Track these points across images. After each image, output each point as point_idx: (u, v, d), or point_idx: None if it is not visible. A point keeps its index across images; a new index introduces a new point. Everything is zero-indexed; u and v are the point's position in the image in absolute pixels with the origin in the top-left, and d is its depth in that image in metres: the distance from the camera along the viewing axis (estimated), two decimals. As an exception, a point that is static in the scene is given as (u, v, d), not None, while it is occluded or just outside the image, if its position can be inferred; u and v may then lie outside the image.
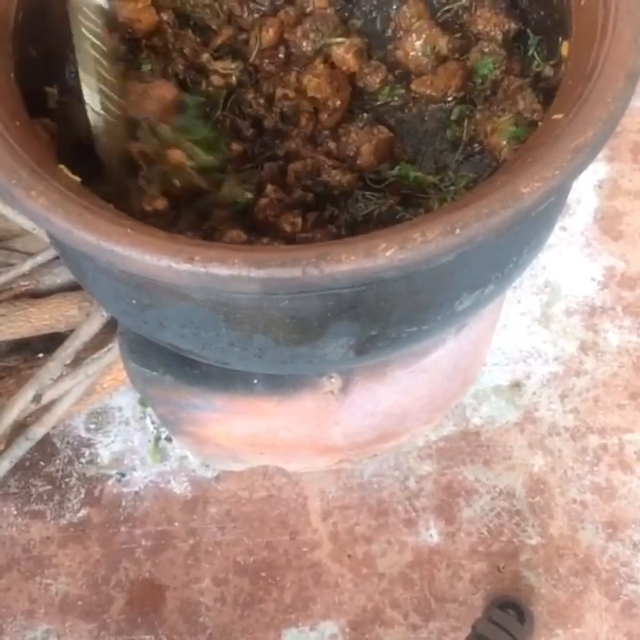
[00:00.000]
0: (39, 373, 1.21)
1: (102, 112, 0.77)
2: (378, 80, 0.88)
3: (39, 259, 1.25)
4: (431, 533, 1.24)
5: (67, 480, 1.30)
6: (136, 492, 1.29)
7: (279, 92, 0.88)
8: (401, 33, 0.90)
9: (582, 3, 0.73)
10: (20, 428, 1.24)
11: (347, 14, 0.94)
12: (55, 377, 1.22)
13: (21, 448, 1.24)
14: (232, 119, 0.87)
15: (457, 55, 0.88)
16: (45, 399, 1.22)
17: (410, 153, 0.86)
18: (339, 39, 0.89)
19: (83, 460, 1.31)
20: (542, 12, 0.86)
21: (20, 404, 1.20)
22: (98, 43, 0.77)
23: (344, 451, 1.16)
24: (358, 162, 0.83)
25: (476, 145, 0.84)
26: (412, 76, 0.89)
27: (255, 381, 0.98)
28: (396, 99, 0.89)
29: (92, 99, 0.76)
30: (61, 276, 1.27)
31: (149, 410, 1.31)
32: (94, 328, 1.23)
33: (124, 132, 0.79)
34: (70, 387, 1.24)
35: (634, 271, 1.42)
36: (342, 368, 0.98)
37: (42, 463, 1.31)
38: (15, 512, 1.28)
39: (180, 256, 0.59)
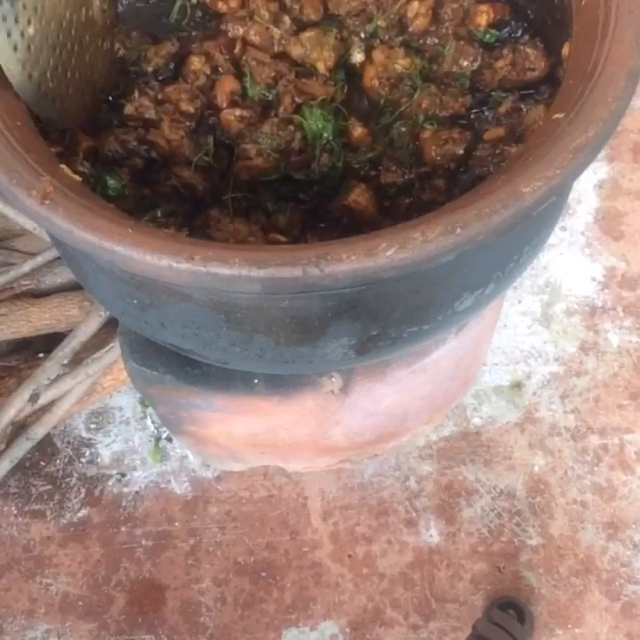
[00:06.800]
0: (36, 373, 1.21)
1: None
2: None
3: (40, 259, 1.25)
4: (431, 533, 1.24)
5: (67, 480, 1.30)
6: (136, 492, 1.28)
7: None
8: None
9: (583, 2, 0.73)
10: (21, 427, 1.24)
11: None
12: (52, 377, 1.22)
13: (22, 448, 1.24)
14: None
15: None
16: (46, 399, 1.22)
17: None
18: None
19: (83, 460, 1.31)
20: (542, 12, 0.86)
21: (17, 404, 1.20)
22: None
23: (345, 450, 1.16)
24: None
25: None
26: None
27: (256, 381, 0.98)
28: None
29: None
30: (62, 275, 1.27)
31: (150, 410, 1.31)
32: (92, 328, 1.23)
33: None
34: (70, 387, 1.24)
35: (634, 271, 1.42)
36: (343, 368, 0.98)
37: (42, 463, 1.31)
38: (15, 512, 1.28)
39: (180, 255, 0.59)
